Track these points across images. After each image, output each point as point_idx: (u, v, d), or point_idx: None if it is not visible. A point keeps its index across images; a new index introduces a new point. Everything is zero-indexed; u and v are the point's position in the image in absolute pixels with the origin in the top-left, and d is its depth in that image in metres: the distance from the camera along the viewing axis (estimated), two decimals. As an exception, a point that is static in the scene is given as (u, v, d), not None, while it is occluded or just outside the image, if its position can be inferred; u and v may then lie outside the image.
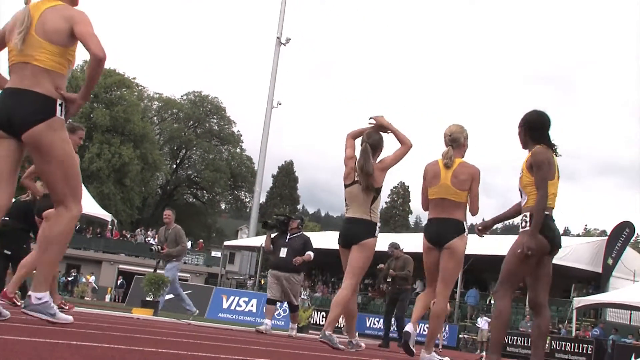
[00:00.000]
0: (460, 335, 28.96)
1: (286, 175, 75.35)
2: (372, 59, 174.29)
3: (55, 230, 4.34)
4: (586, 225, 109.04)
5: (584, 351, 23.81)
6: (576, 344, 23.84)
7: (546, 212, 5.34)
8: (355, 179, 6.81)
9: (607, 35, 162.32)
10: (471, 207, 6.39)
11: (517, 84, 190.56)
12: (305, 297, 24.12)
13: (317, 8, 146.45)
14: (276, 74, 45.40)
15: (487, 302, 32.36)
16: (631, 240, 33.50)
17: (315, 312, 33.56)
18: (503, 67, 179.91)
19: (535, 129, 5.47)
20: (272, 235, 11.87)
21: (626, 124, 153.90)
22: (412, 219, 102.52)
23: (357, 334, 6.71)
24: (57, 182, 4.28)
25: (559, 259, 29.83)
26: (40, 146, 4.19)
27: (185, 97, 72.01)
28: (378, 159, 6.90)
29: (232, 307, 21.28)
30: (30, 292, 4.34)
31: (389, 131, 6.93)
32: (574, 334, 24.65)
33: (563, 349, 24.61)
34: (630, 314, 27.99)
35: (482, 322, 27.91)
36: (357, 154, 6.93)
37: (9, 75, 4.36)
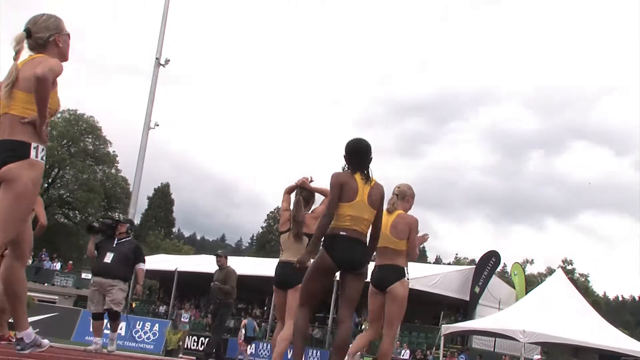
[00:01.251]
0: None
1: (162, 197, 73.92)
2: (251, 81, 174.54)
3: None
4: (457, 254, 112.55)
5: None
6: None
7: (341, 233, 5.80)
8: (290, 227, 7.33)
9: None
10: (411, 253, 7.10)
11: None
12: (185, 320, 23.52)
13: (197, 29, 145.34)
14: (154, 95, 44.56)
15: (360, 328, 32.67)
16: (497, 270, 34.79)
17: (188, 337, 32.88)
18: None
19: (346, 154, 6.11)
20: (98, 240, 10.71)
21: (485, 155, 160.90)
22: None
23: None
24: (1, 212, 4.48)
25: (429, 286, 30.67)
26: (6, 178, 4.50)
27: (59, 116, 69.52)
28: (311, 209, 7.54)
29: (100, 330, 20.56)
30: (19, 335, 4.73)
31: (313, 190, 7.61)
32: (441, 360, 25.23)
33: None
34: (495, 341, 28.97)
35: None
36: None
37: None
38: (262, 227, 78.91)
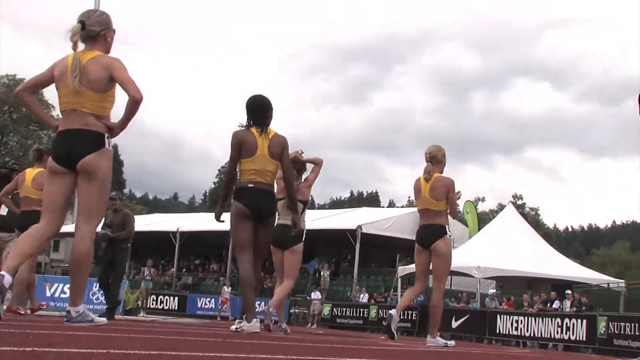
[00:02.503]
0: (292, 310, 29.25)
1: (111, 159, 72.54)
2: (192, 36, 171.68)
3: (84, 250, 4.94)
4: (409, 197, 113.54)
5: (409, 317, 24.73)
6: (402, 312, 24.75)
7: (249, 185, 6.43)
8: (285, 196, 7.95)
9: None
10: (451, 211, 7.81)
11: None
12: (148, 278, 23.41)
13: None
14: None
15: (317, 275, 32.90)
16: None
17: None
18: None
19: (246, 110, 6.58)
20: None
21: (431, 97, 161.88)
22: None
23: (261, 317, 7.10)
24: (91, 203, 5.00)
25: (384, 230, 30.91)
26: (88, 170, 4.96)
27: (-2, 81, 67.42)
28: (304, 177, 8.67)
29: (57, 295, 20.23)
30: (69, 308, 4.98)
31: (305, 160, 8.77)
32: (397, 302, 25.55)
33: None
34: (451, 279, 29.41)
35: (315, 295, 28.33)
36: None
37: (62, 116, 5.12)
38: (214, 183, 78.44)
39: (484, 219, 54.72)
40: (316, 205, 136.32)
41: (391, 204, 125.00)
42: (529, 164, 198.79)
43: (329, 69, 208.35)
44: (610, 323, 17.75)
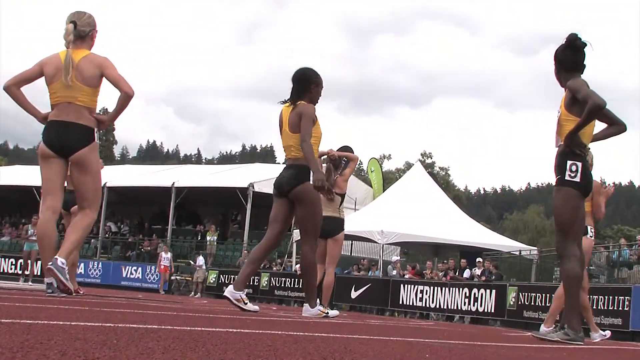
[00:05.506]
0: (173, 277, 29.08)
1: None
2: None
3: (85, 222, 6.34)
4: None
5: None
6: (295, 280, 24.99)
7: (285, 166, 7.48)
8: None
9: None
10: (596, 213, 8.97)
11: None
12: (34, 238, 22.69)
13: None
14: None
15: (199, 238, 32.76)
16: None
17: (3, 259, 31.80)
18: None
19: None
20: None
21: (332, 44, 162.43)
22: (117, 150, 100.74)
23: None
24: (88, 191, 6.35)
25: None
26: (82, 163, 6.26)
27: None
28: (341, 171, 10.20)
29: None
30: (56, 256, 6.02)
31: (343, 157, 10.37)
32: (294, 269, 25.72)
33: (282, 285, 25.64)
34: (352, 244, 29.81)
35: (199, 261, 28.17)
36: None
37: (51, 109, 6.33)
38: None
39: (389, 179, 55.78)
40: (203, 160, 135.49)
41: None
42: (439, 118, 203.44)
43: (217, 9, 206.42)
44: (520, 294, 18.45)
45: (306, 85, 7.36)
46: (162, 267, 27.76)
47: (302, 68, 7.48)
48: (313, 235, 7.42)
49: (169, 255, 28.23)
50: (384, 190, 32.36)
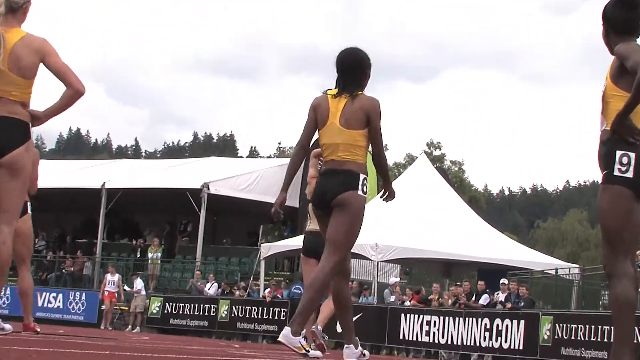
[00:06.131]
0: (103, 307, 28.89)
1: None
2: None
3: (6, 255, 6.22)
4: (280, 142, 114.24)
5: (276, 316, 24.88)
6: (263, 309, 24.93)
7: (325, 168, 7.76)
8: None
9: None
10: None
11: None
12: None
13: None
14: None
15: (138, 255, 32.68)
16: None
17: None
18: None
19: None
20: None
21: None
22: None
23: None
24: (12, 203, 6.33)
25: (240, 190, 31.07)
26: (15, 166, 6.23)
27: None
28: None
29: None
30: None
31: None
32: (261, 295, 25.66)
33: (247, 315, 25.56)
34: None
35: (138, 284, 28.07)
36: None
37: None
38: None
39: (386, 177, 55.64)
40: (143, 153, 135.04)
41: (253, 153, 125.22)
42: (449, 99, 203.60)
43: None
44: (557, 325, 18.46)
45: (363, 70, 7.53)
46: (107, 293, 27.70)
47: (353, 49, 7.61)
48: (346, 251, 7.56)
49: (117, 278, 28.06)
50: (378, 192, 32.43)
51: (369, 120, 7.28)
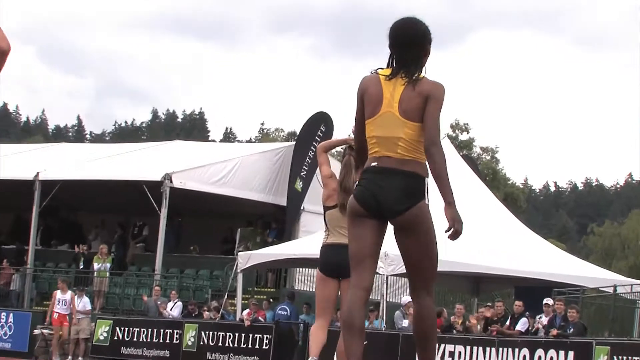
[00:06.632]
0: (35, 332, 28.90)
1: None
2: None
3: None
4: (262, 123, 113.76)
5: (257, 345, 24.87)
6: (240, 335, 24.90)
7: (372, 164, 7.35)
8: (339, 201, 9.83)
9: None
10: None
11: None
12: None
13: None
14: None
15: (81, 266, 32.67)
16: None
17: None
18: None
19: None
20: None
21: None
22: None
23: None
24: None
25: (212, 184, 31.06)
26: None
27: None
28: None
29: None
30: None
31: None
32: (238, 318, 25.66)
33: (219, 343, 25.55)
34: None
35: (81, 304, 28.02)
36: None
37: None
38: None
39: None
40: (87, 136, 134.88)
41: (229, 136, 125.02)
42: (481, 66, 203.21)
43: None
44: (615, 357, 18.48)
45: (423, 47, 7.44)
46: (56, 316, 27.63)
47: (411, 20, 7.46)
48: (433, 278, 7.60)
49: (69, 296, 27.87)
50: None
51: (425, 105, 7.16)
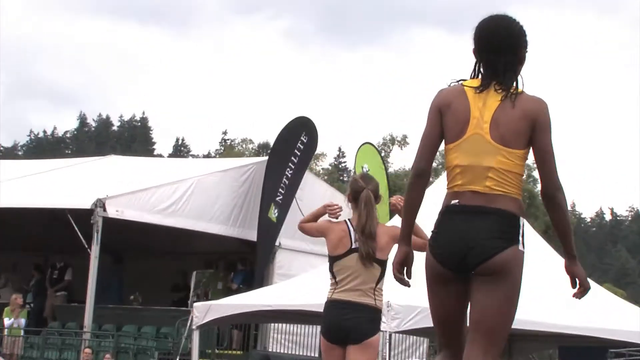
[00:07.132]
0: None
1: None
2: None
3: None
4: (225, 131, 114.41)
5: None
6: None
7: (452, 202, 7.46)
8: (353, 246, 10.90)
9: None
10: None
11: None
12: None
13: None
14: None
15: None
16: (315, 162, 35.34)
17: None
18: None
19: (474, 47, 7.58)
20: None
21: None
22: None
23: None
24: None
25: (159, 212, 30.98)
26: None
27: None
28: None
29: None
30: None
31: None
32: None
33: None
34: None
35: None
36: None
37: None
38: None
39: (401, 186, 55.97)
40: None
41: (180, 150, 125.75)
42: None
43: None
44: None
45: (517, 51, 7.50)
46: None
47: (504, 18, 7.57)
48: (499, 344, 7.54)
49: None
50: (391, 217, 32.50)
51: (534, 133, 7.19)
